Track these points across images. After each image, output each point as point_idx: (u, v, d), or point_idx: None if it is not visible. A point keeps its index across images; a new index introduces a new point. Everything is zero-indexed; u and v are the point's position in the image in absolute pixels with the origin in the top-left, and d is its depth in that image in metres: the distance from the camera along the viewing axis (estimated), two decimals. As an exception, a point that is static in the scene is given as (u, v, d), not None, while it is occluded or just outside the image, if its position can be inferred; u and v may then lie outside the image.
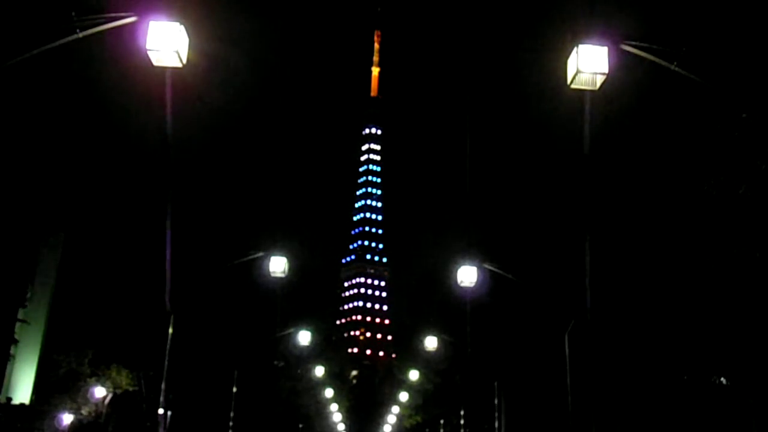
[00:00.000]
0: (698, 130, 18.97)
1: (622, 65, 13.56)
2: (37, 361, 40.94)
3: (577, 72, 12.91)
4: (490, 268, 29.26)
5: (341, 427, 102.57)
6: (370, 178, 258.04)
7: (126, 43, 13.73)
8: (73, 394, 39.93)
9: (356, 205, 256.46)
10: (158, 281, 30.92)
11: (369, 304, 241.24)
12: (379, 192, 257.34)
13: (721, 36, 17.40)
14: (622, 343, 30.02)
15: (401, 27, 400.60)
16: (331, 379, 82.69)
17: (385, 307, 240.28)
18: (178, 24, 12.92)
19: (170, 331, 28.70)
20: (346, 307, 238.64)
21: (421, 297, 68.23)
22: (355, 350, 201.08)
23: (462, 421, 53.26)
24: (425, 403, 72.78)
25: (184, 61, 13.19)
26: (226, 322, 46.60)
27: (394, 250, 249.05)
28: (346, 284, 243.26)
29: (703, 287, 23.09)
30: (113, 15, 13.14)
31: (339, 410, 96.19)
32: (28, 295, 40.00)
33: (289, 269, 29.95)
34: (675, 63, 13.11)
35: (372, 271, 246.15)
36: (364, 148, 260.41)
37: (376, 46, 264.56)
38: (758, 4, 17.75)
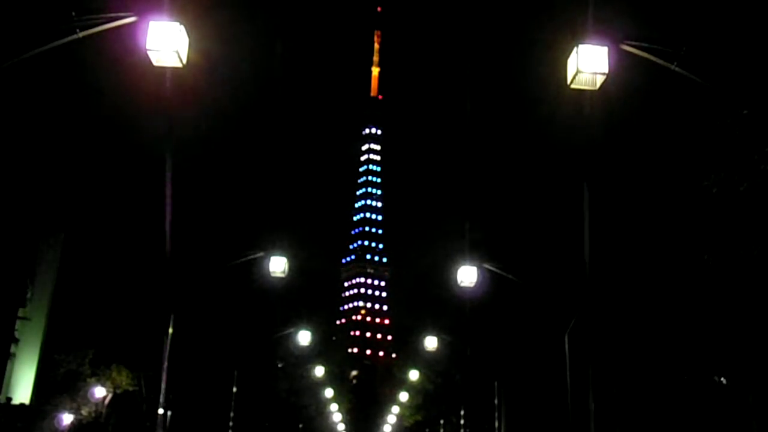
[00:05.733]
0: (698, 129, 18.97)
1: (622, 65, 13.56)
2: (37, 360, 40.92)
3: (577, 72, 12.91)
4: (490, 268, 29.26)
5: (341, 427, 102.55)
6: (370, 178, 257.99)
7: (126, 43, 13.73)
8: (73, 394, 39.90)
9: (356, 205, 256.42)
10: (158, 281, 30.95)
11: (369, 304, 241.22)
12: (379, 192, 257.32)
13: (721, 36, 17.40)
14: (622, 343, 30.02)
15: (401, 27, 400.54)
16: (331, 379, 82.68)
17: (385, 307, 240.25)
18: (178, 24, 12.91)
19: (170, 331, 28.69)
20: (346, 307, 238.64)
21: (421, 297, 68.27)
22: (355, 350, 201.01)
23: (462, 421, 53.26)
24: (425, 402, 72.78)
25: (184, 61, 13.18)
26: (226, 322, 46.59)
27: (394, 250, 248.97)
28: (346, 284, 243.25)
29: (703, 287, 23.07)
30: (113, 15, 13.14)
31: (339, 410, 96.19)
32: (28, 294, 40.00)
33: (289, 269, 29.93)
34: (675, 63, 13.11)
35: (372, 271, 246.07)
36: (364, 148, 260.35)
37: (376, 46, 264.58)
38: (758, 4, 17.75)
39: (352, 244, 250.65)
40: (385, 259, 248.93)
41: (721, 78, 13.53)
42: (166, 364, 28.60)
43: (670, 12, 20.69)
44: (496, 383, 42.94)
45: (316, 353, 70.18)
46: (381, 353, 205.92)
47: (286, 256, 29.41)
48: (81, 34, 13.00)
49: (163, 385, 29.04)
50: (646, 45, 13.28)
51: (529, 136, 41.09)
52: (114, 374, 40.85)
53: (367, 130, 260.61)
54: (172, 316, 28.90)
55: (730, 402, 26.59)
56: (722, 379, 27.63)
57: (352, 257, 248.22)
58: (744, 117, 14.55)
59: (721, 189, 16.01)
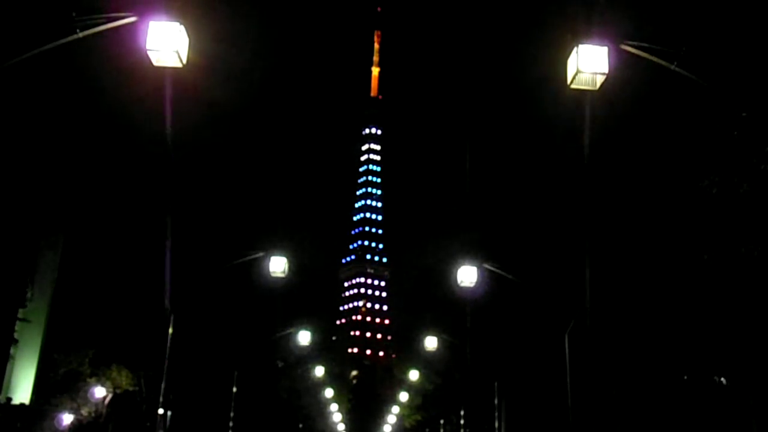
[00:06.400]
0: (698, 130, 18.98)
1: (622, 65, 13.56)
2: (37, 361, 40.91)
3: (577, 72, 12.90)
4: (490, 268, 29.24)
5: (341, 427, 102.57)
6: (370, 178, 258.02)
7: (126, 43, 13.73)
8: (73, 394, 39.89)
9: (356, 205, 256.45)
10: (158, 281, 30.96)
11: (369, 304, 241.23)
12: (379, 192, 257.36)
13: (721, 36, 17.39)
14: (622, 343, 30.02)
15: (401, 27, 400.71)
16: (331, 379, 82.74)
17: (385, 307, 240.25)
18: (178, 24, 12.92)
19: (170, 331, 28.70)
20: (346, 307, 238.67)
21: (421, 297, 68.25)
22: (355, 350, 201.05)
23: (462, 421, 53.26)
24: (425, 402, 72.81)
25: (184, 61, 13.19)
26: (226, 322, 46.59)
27: (394, 250, 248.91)
28: (346, 284, 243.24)
29: (703, 287, 23.08)
30: (113, 15, 13.14)
31: (339, 410, 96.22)
32: (28, 295, 39.97)
33: (289, 269, 29.93)
34: (675, 63, 13.10)
35: (372, 271, 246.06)
36: (364, 148, 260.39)
37: (376, 46, 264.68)
38: (758, 4, 17.74)
39: (352, 244, 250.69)
40: (385, 259, 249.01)
41: (720, 78, 13.53)
42: (166, 364, 28.61)
43: (670, 12, 20.69)
44: (496, 383, 42.93)
45: (316, 353, 70.21)
46: (381, 353, 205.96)
47: (286, 256, 29.42)
48: (81, 34, 13.00)
49: (163, 385, 29.06)
50: (646, 45, 13.28)
51: (529, 135, 41.11)
52: (114, 374, 40.84)
53: (367, 130, 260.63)
54: (172, 316, 28.91)
55: (730, 402, 26.59)
56: (722, 379, 27.62)
57: (352, 257, 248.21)
58: (743, 118, 14.56)
59: (720, 190, 16.01)
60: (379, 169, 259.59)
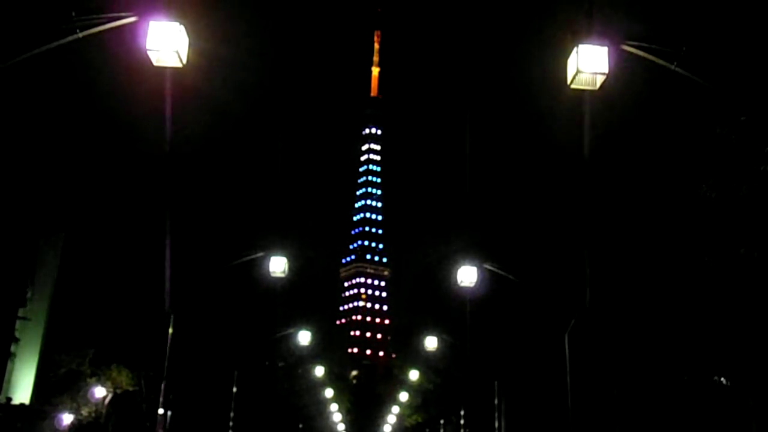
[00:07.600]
0: (697, 131, 18.98)
1: (622, 65, 13.55)
2: (38, 360, 40.90)
3: (577, 72, 12.90)
4: (490, 268, 29.25)
5: (341, 427, 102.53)
6: (370, 178, 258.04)
7: (126, 43, 13.74)
8: (73, 394, 39.88)
9: (356, 205, 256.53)
10: (158, 281, 30.97)
11: (369, 304, 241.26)
12: (379, 192, 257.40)
13: (721, 36, 17.39)
14: (622, 343, 30.02)
15: (401, 27, 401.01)
16: (331, 379, 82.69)
17: (385, 307, 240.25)
18: (178, 24, 12.91)
19: (170, 331, 28.71)
20: (346, 307, 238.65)
21: (421, 297, 68.24)
22: (355, 350, 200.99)
23: (462, 421, 53.26)
24: (425, 402, 72.79)
25: (184, 61, 13.19)
26: (226, 322, 46.60)
27: (394, 250, 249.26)
28: (346, 284, 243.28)
29: (703, 287, 23.07)
30: (113, 15, 13.13)
31: (339, 410, 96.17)
32: (28, 294, 39.97)
33: (289, 269, 29.96)
34: (675, 63, 13.10)
35: (372, 271, 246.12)
36: (364, 148, 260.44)
37: (376, 46, 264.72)
38: (758, 4, 17.75)
39: (352, 244, 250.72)
40: (385, 259, 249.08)
41: (720, 78, 13.53)
42: (166, 364, 28.63)
43: (670, 12, 20.68)
44: (496, 383, 42.93)
45: (316, 353, 70.20)
46: (381, 353, 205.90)
47: (286, 256, 29.44)
48: (81, 34, 12.99)
49: (163, 385, 29.06)
50: (646, 45, 13.27)
51: (529, 136, 41.13)
52: (114, 374, 40.83)
53: (367, 130, 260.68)
54: (172, 316, 28.92)
55: (731, 403, 26.58)
56: (722, 379, 27.61)
57: (352, 257, 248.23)
58: (742, 122, 14.56)
59: (720, 192, 16.01)
60: (379, 169, 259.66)
